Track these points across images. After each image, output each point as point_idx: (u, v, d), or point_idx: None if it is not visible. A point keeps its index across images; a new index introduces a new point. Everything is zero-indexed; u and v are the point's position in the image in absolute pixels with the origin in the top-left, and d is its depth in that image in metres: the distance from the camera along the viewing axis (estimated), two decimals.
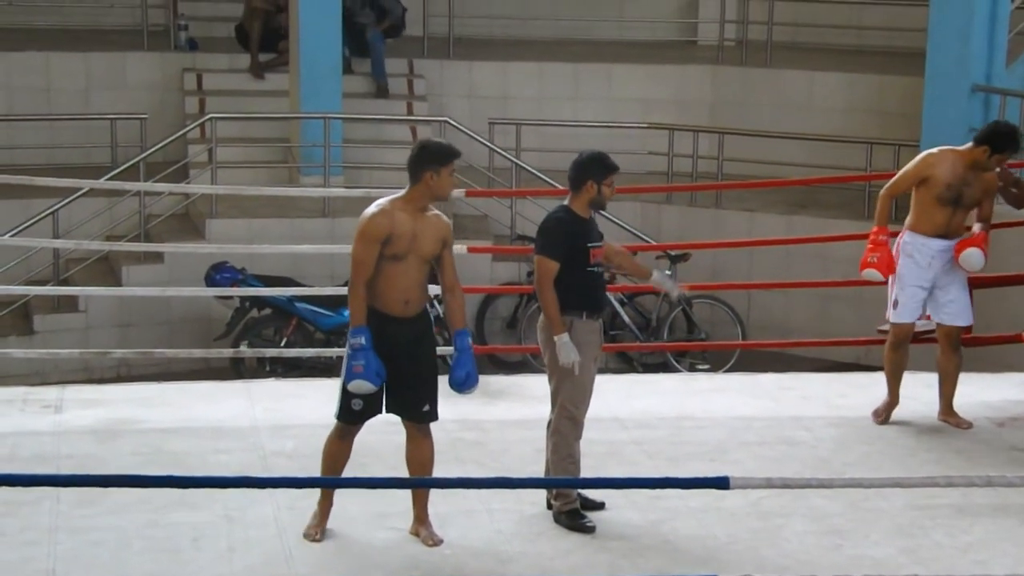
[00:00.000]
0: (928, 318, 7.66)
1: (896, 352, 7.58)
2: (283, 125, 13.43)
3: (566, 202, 6.35)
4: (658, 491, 6.50)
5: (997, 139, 7.19)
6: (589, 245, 6.24)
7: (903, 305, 7.45)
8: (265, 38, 14.20)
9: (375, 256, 5.88)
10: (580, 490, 6.36)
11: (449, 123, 12.84)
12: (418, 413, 6.04)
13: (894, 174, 12.40)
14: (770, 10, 14.89)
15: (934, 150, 7.40)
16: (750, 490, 6.50)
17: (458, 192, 9.91)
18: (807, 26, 15.47)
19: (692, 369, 11.48)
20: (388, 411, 6.04)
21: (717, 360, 11.55)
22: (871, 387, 8.32)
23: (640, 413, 7.70)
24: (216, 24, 14.97)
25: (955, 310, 7.46)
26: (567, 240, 6.21)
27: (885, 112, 13.86)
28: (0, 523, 6.12)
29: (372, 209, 5.94)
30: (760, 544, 6.18)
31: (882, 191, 7.53)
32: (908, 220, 7.48)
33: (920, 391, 8.24)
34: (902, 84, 13.72)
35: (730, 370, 10.80)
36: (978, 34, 12.12)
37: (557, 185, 12.03)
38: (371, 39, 14.01)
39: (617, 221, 11.86)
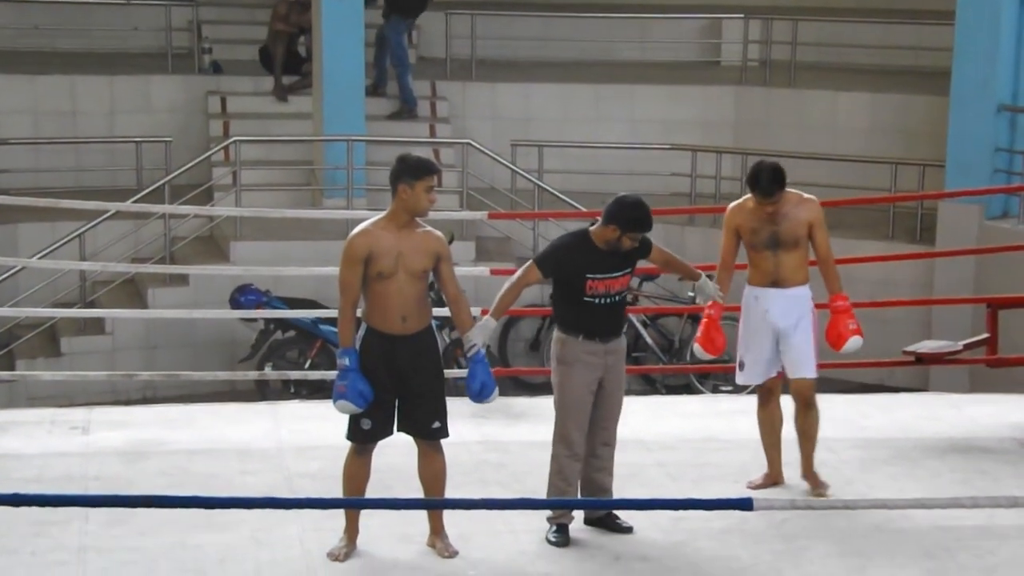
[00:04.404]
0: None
1: (763, 411, 6.88)
2: (307, 147, 13.50)
3: (591, 226, 6.34)
4: (681, 513, 6.50)
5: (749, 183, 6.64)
6: (587, 276, 6.19)
7: (748, 366, 6.81)
8: (288, 61, 14.29)
9: (359, 277, 5.93)
10: (615, 511, 6.38)
11: (471, 145, 12.89)
12: (427, 430, 6.07)
13: (919, 195, 12.55)
14: (794, 30, 14.91)
15: (735, 202, 6.82)
16: (774, 512, 6.49)
17: (480, 214, 9.96)
18: (831, 46, 15.48)
19: (715, 391, 11.46)
20: (399, 430, 6.08)
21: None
22: (895, 408, 8.32)
23: (663, 435, 7.70)
24: (240, 47, 15.07)
25: (795, 359, 6.74)
26: (565, 265, 6.21)
27: (910, 132, 13.85)
28: (30, 543, 6.16)
29: (354, 231, 6.01)
30: (784, 566, 6.17)
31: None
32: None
33: (943, 411, 8.24)
34: (927, 104, 13.71)
35: (754, 392, 10.77)
36: (1004, 53, 12.12)
37: (579, 207, 12.07)
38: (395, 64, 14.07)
39: None
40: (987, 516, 6.53)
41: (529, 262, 6.32)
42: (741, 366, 6.85)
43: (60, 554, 6.09)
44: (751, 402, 8.49)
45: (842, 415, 8.15)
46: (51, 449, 7.34)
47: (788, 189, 6.73)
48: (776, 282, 6.74)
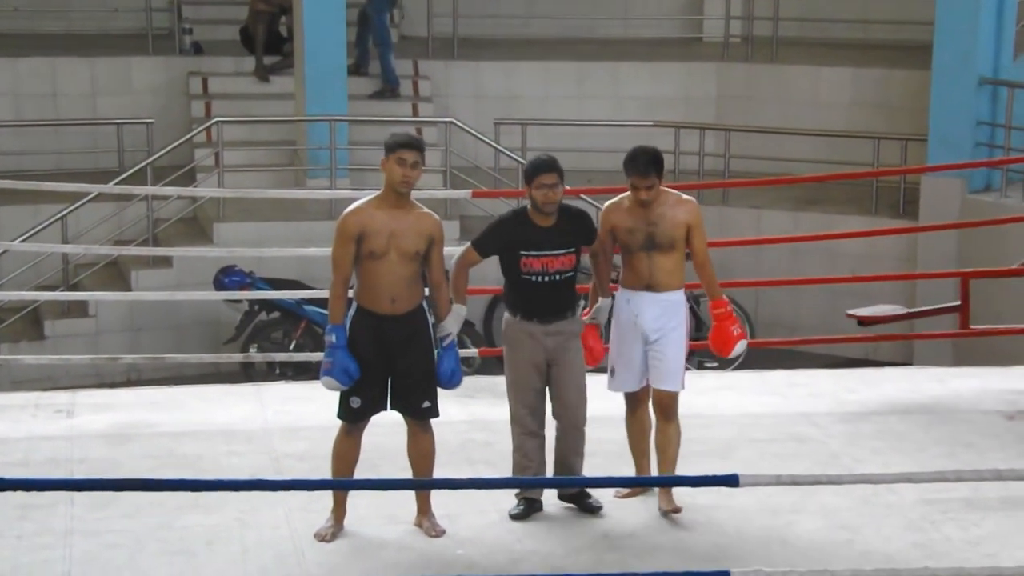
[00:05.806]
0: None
1: (632, 417, 6.51)
2: (289, 128, 13.46)
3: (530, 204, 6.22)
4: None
5: (625, 164, 6.34)
6: (522, 253, 6.12)
7: (618, 373, 6.43)
8: (270, 41, 14.23)
9: (350, 255, 5.92)
10: (587, 488, 6.38)
11: (454, 124, 12.87)
12: (417, 410, 6.08)
13: (901, 169, 12.57)
14: (775, 5, 14.90)
15: (611, 201, 6.43)
16: (760, 487, 6.50)
17: (463, 193, 9.96)
18: (813, 21, 15.49)
19: (700, 367, 11.47)
20: (392, 408, 6.10)
21: (725, 358, 11.54)
22: (880, 383, 8.34)
23: (649, 412, 7.69)
24: (221, 27, 15.01)
25: (661, 370, 6.35)
26: (498, 241, 6.18)
27: (892, 106, 13.87)
28: (16, 527, 6.15)
29: (347, 209, 6.02)
30: (771, 541, 6.19)
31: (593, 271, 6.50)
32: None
33: (927, 385, 8.26)
34: (909, 78, 13.73)
35: (738, 368, 10.81)
36: (985, 27, 12.13)
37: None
38: (378, 46, 14.03)
39: None
40: (972, 489, 6.56)
41: (468, 244, 6.25)
42: (612, 372, 6.51)
43: (46, 537, 6.08)
44: (736, 378, 8.52)
45: (827, 389, 8.18)
46: (36, 433, 7.32)
47: (668, 189, 6.47)
48: (650, 286, 6.34)
